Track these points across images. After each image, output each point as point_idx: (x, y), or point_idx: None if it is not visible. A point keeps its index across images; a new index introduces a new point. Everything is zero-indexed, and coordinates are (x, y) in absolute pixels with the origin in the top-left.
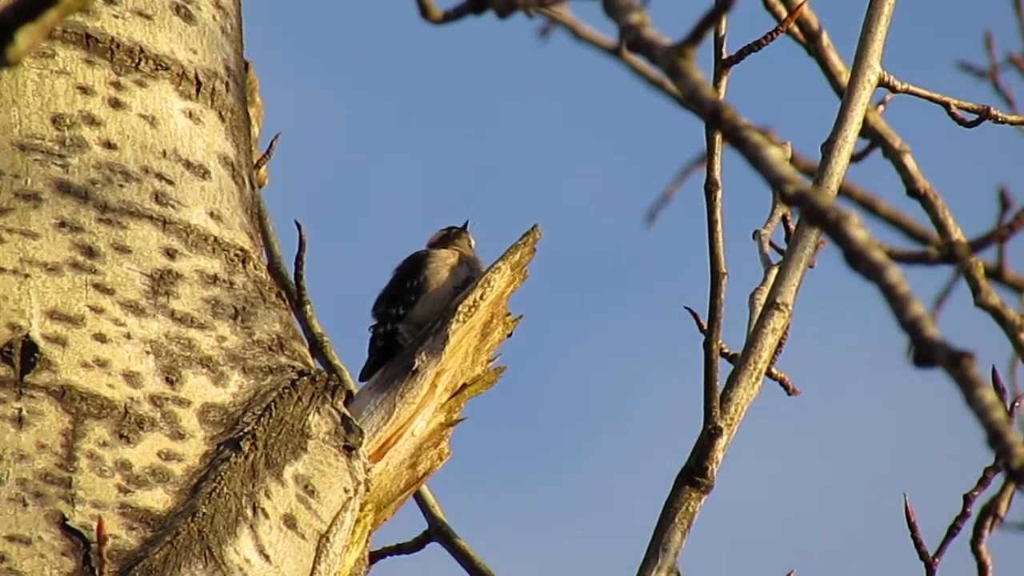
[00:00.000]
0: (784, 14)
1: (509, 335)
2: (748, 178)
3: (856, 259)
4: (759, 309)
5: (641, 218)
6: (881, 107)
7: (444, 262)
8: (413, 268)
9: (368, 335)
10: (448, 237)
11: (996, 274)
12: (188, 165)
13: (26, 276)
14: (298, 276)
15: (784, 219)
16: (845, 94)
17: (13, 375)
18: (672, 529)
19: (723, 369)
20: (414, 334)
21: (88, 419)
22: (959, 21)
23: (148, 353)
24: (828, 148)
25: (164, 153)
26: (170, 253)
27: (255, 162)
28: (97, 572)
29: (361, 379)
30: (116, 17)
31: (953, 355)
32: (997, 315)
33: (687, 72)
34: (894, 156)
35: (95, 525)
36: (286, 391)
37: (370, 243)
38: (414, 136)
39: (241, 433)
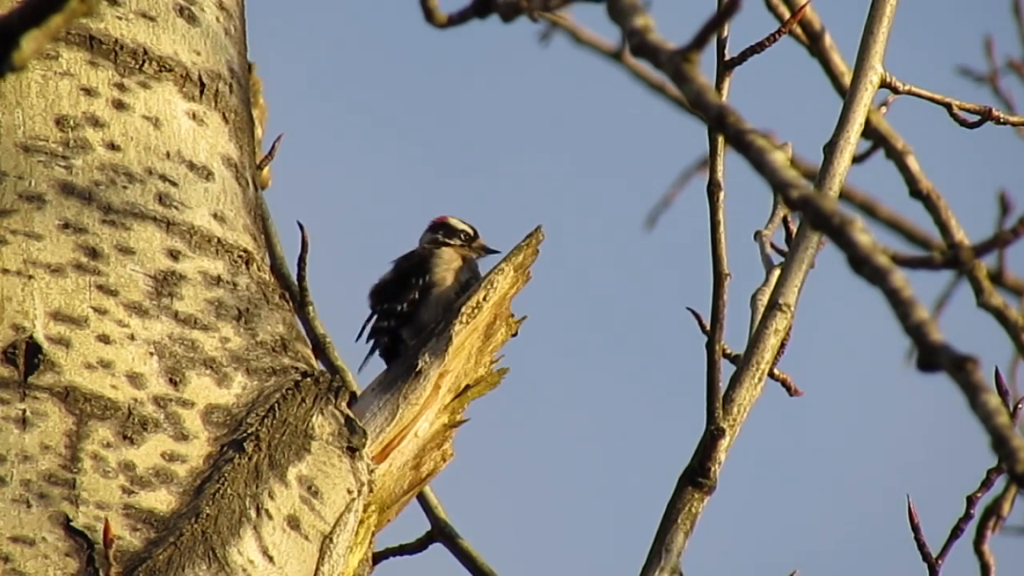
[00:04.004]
0: (786, 15)
1: (513, 335)
2: (750, 179)
3: (860, 263)
4: (761, 310)
5: (642, 221)
6: (884, 108)
7: (452, 262)
8: (419, 265)
9: (365, 326)
10: (458, 237)
11: (996, 278)
12: (191, 166)
13: (30, 277)
14: (301, 277)
15: (785, 220)
16: (847, 95)
17: (17, 376)
18: (675, 530)
19: (725, 370)
20: (415, 337)
21: (92, 420)
22: (959, 25)
23: (152, 354)
24: (830, 149)
25: (168, 155)
26: (173, 254)
27: (258, 163)
28: (102, 574)
29: (362, 370)
30: (120, 19)
31: (957, 359)
32: (1000, 316)
33: (692, 76)
34: (897, 157)
35: (99, 526)
36: (289, 392)
37: (373, 244)
38: (417, 137)
39: (244, 434)
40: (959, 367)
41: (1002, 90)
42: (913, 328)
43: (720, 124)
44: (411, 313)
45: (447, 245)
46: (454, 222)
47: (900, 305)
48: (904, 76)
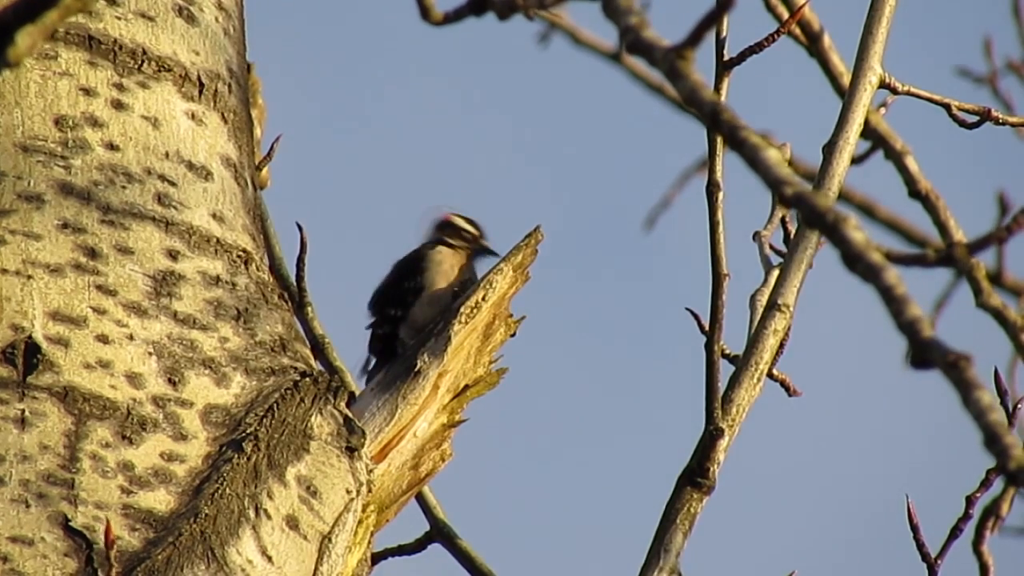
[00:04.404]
0: (785, 15)
1: (512, 335)
2: (749, 180)
3: (854, 260)
4: (760, 310)
5: (641, 222)
6: (883, 109)
7: (443, 264)
8: (412, 268)
9: (366, 333)
10: (460, 237)
11: (995, 279)
12: (190, 167)
13: (29, 277)
14: (299, 278)
15: (784, 221)
16: (846, 96)
17: (16, 376)
18: (674, 530)
19: (724, 370)
20: (413, 337)
21: (91, 420)
22: (958, 26)
23: (150, 354)
24: (829, 149)
25: (167, 155)
26: (172, 254)
27: (257, 164)
28: (101, 574)
29: (361, 377)
30: (119, 19)
31: (950, 356)
32: (999, 316)
33: (686, 74)
34: (896, 158)
35: (98, 526)
36: (288, 392)
37: (371, 244)
38: (418, 136)
39: (243, 434)
40: (951, 364)
41: (1001, 91)
42: (906, 325)
43: (714, 121)
44: (404, 315)
45: (449, 244)
46: (458, 221)
47: (893, 302)
48: (904, 77)
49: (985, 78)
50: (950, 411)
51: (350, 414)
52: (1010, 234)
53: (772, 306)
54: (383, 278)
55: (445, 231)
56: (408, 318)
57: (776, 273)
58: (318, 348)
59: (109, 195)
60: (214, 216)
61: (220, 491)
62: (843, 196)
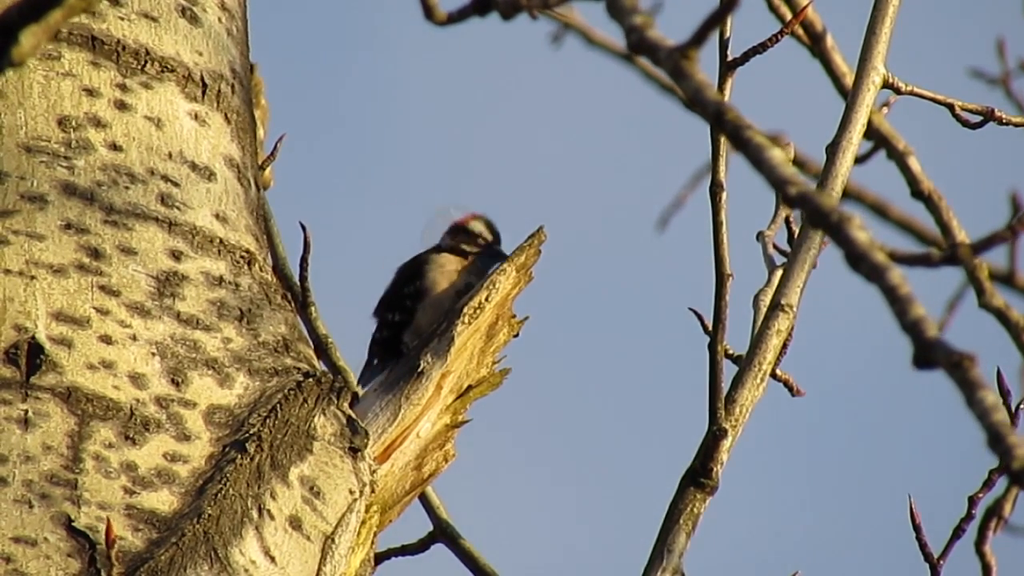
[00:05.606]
0: (788, 16)
1: (516, 335)
2: (752, 180)
3: (858, 260)
4: (763, 310)
5: (647, 221)
6: (885, 109)
7: (445, 268)
8: (412, 273)
9: (369, 338)
10: (474, 243)
11: (1007, 279)
12: (194, 167)
13: (32, 278)
14: (303, 278)
15: (787, 221)
16: (849, 96)
17: (19, 377)
18: (677, 530)
19: (728, 370)
20: (415, 341)
21: (94, 421)
22: (971, 27)
23: (154, 355)
24: (832, 150)
25: (170, 155)
26: (176, 255)
27: (260, 164)
28: (104, 574)
29: (359, 383)
30: (122, 19)
31: (954, 357)
32: (1001, 317)
33: (690, 74)
34: (898, 158)
35: (101, 526)
36: (292, 393)
37: (375, 245)
38: (420, 136)
39: (247, 435)
40: (955, 364)
41: (1015, 92)
42: (910, 326)
43: (718, 121)
44: (407, 321)
45: (460, 249)
46: (474, 226)
47: (897, 302)
48: (916, 78)
49: (998, 79)
50: (953, 410)
51: (353, 415)
52: (1015, 234)
53: (775, 306)
54: (388, 284)
55: (456, 236)
56: (412, 323)
57: (779, 273)
58: (321, 348)
59: (112, 195)
60: (217, 216)
61: (223, 491)
62: (854, 196)
